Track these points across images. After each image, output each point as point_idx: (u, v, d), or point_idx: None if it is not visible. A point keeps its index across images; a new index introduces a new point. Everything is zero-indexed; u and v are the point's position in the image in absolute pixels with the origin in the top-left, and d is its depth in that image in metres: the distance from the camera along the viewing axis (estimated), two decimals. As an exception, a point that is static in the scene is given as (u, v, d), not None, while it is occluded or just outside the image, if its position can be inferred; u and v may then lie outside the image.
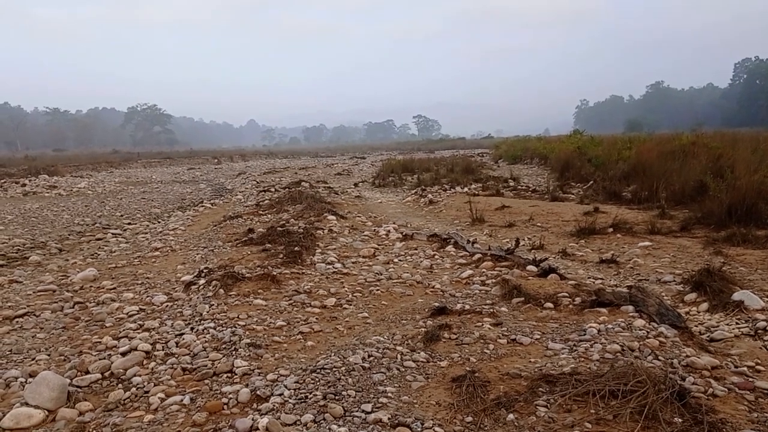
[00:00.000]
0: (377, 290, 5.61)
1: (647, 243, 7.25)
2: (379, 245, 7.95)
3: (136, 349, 4.03)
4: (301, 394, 3.24)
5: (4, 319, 4.98)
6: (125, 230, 10.30)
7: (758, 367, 3.49)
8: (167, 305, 5.29)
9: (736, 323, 4.32)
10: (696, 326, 4.36)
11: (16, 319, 4.98)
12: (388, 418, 2.96)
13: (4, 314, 5.08)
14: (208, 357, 3.89)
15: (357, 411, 3.05)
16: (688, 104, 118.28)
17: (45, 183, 20.98)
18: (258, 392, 3.28)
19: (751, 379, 3.26)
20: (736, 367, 3.47)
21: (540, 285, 5.28)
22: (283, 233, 8.22)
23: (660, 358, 3.52)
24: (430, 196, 13.75)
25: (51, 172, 25.37)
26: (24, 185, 19.92)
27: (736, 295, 4.68)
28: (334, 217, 10.08)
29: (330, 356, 3.80)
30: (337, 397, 3.20)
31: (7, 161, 33.61)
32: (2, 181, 20.97)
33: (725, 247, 6.77)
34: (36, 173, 24.35)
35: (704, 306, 4.76)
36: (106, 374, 3.71)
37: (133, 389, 3.47)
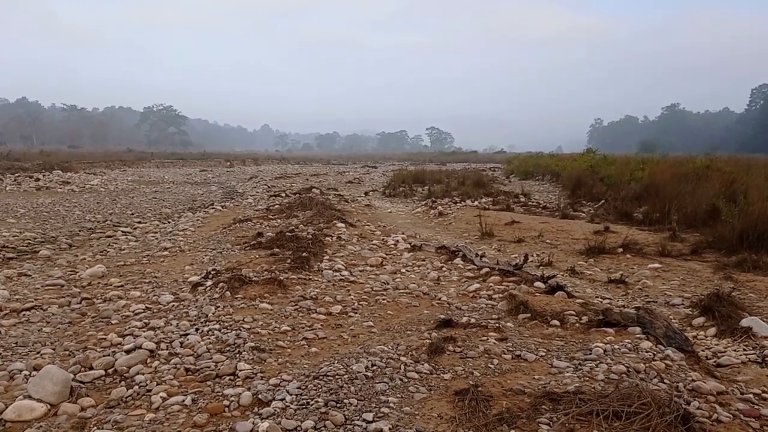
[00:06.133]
0: (383, 300, 5.60)
1: (657, 265, 7.20)
2: (387, 255, 7.95)
3: (140, 348, 4.04)
4: (302, 400, 3.24)
5: (11, 311, 5.02)
6: (135, 229, 10.36)
7: (764, 394, 3.45)
8: (173, 305, 5.31)
9: (744, 349, 4.27)
10: (703, 351, 4.32)
11: (24, 312, 5.02)
12: (389, 429, 2.95)
13: (11, 307, 5.11)
14: (211, 358, 3.89)
15: (358, 420, 3.04)
16: (703, 128, 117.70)
17: (58, 179, 21.17)
18: (260, 396, 3.27)
19: (756, 407, 3.22)
20: (742, 393, 3.43)
21: (547, 302, 5.25)
22: (291, 238, 8.23)
23: (665, 381, 3.49)
24: (440, 208, 13.74)
25: (65, 168, 25.56)
26: (38, 180, 20.10)
27: (745, 321, 4.63)
28: (343, 225, 10.09)
29: (333, 363, 3.80)
30: (338, 405, 3.19)
31: (22, 155, 33.88)
32: (16, 175, 21.17)
33: (735, 272, 6.71)
34: (50, 169, 24.53)
35: (712, 331, 4.72)
36: (110, 371, 3.72)
37: (136, 387, 3.48)
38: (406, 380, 3.61)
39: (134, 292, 5.74)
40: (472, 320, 4.81)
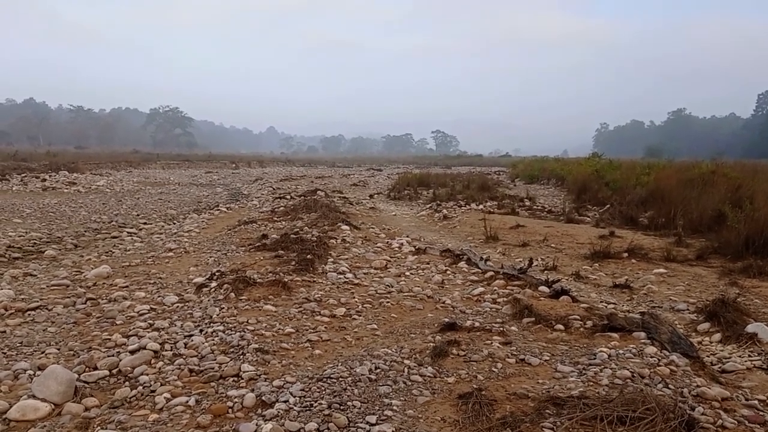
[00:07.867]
0: (387, 302, 5.60)
1: (662, 270, 7.17)
2: (391, 257, 7.95)
3: (144, 348, 4.05)
4: (306, 402, 3.24)
5: (16, 311, 5.04)
6: (140, 230, 10.39)
7: (770, 401, 3.43)
8: (178, 306, 5.32)
9: (749, 355, 4.25)
10: (708, 356, 4.30)
11: (29, 312, 5.04)
12: (392, 431, 2.95)
13: (17, 306, 5.13)
14: (215, 360, 3.90)
15: (361, 422, 3.04)
16: (710, 133, 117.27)
17: (64, 179, 21.22)
18: (263, 398, 3.28)
19: (761, 413, 3.21)
20: (746, 399, 3.42)
21: (551, 306, 5.25)
22: (296, 240, 8.24)
23: (670, 386, 3.48)
24: (444, 211, 13.72)
25: (71, 169, 25.60)
26: (44, 180, 20.16)
27: (750, 327, 4.62)
28: (347, 227, 10.09)
29: (337, 366, 3.80)
30: (342, 407, 3.19)
31: (29, 156, 34.00)
32: (23, 175, 21.25)
33: (741, 278, 6.69)
34: (56, 169, 24.58)
35: (717, 336, 4.70)
36: (114, 371, 3.73)
37: (140, 388, 3.49)
38: (410, 383, 3.60)
39: (139, 293, 5.75)
40: (476, 324, 4.80)
